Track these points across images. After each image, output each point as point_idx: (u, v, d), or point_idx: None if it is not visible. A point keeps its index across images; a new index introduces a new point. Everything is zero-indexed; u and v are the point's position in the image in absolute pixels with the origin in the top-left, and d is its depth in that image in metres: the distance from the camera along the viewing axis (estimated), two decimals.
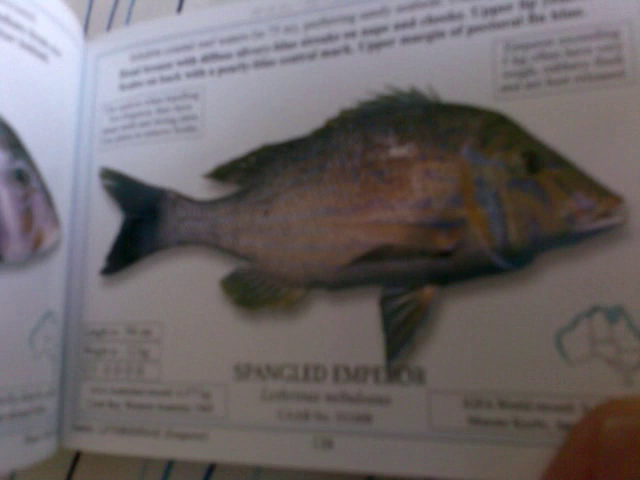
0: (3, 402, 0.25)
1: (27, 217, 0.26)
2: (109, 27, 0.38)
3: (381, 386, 0.23)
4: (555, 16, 0.23)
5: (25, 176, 0.26)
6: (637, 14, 0.22)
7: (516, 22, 0.23)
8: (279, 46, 0.27)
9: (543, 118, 0.22)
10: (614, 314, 0.21)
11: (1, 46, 0.26)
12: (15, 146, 0.26)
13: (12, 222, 0.26)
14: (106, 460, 0.29)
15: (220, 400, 0.25)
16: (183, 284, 0.27)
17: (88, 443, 0.27)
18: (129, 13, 0.37)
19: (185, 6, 0.36)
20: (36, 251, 0.27)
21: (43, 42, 0.28)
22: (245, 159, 0.27)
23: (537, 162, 0.22)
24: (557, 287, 0.22)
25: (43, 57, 0.28)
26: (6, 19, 0.26)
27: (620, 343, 0.21)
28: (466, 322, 0.22)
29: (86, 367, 0.28)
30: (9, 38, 0.26)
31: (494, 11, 0.24)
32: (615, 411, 0.18)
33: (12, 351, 0.25)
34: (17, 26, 0.27)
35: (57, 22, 0.29)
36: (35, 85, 0.27)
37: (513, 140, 0.23)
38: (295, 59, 0.27)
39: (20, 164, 0.26)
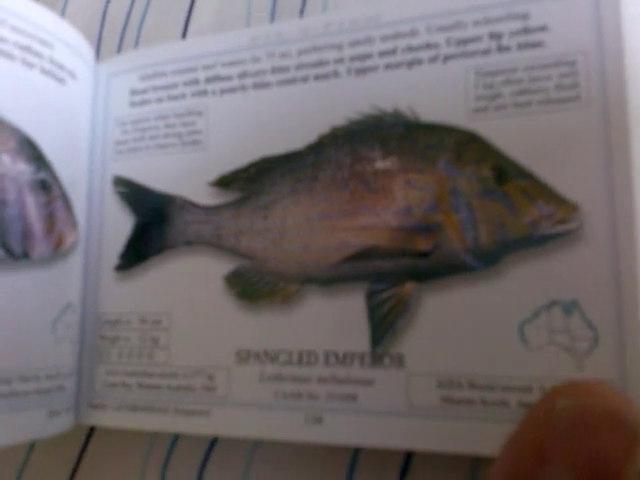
0: (30, 380, 0.25)
1: (50, 221, 0.27)
2: (119, 49, 0.38)
3: (366, 369, 0.24)
4: (520, 47, 0.23)
5: (48, 185, 0.27)
6: (591, 46, 0.22)
7: (486, 52, 0.24)
8: (275, 70, 0.27)
9: (510, 136, 0.23)
10: (569, 307, 0.21)
11: (24, 73, 0.26)
12: (38, 159, 0.26)
13: (37, 225, 0.26)
14: (117, 435, 0.30)
15: (223, 381, 0.26)
16: (190, 279, 0.27)
17: (102, 419, 0.28)
18: (137, 36, 0.37)
19: (189, 31, 0.36)
20: (57, 250, 0.27)
21: (61, 67, 0.28)
22: (246, 169, 0.27)
23: (505, 175, 0.23)
24: (520, 284, 0.22)
25: (61, 81, 0.28)
26: (28, 49, 0.27)
27: (574, 333, 0.21)
28: (441, 314, 0.23)
29: (102, 352, 0.28)
30: (31, 65, 0.27)
31: (466, 42, 0.24)
32: (567, 392, 0.18)
33: (37, 336, 0.26)
34: (38, 54, 0.27)
35: (72, 49, 0.29)
36: (54, 106, 0.28)
37: (483, 155, 0.23)
38: (290, 82, 0.27)
39: (43, 175, 0.27)
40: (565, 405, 0.17)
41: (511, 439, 0.18)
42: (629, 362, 0.20)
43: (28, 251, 0.26)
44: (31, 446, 0.32)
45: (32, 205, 0.26)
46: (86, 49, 0.30)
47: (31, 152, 0.26)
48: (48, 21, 0.28)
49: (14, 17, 0.27)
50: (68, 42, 0.29)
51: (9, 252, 0.25)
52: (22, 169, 0.26)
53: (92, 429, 0.31)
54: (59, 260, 0.27)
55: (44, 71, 0.27)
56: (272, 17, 0.34)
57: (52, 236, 0.27)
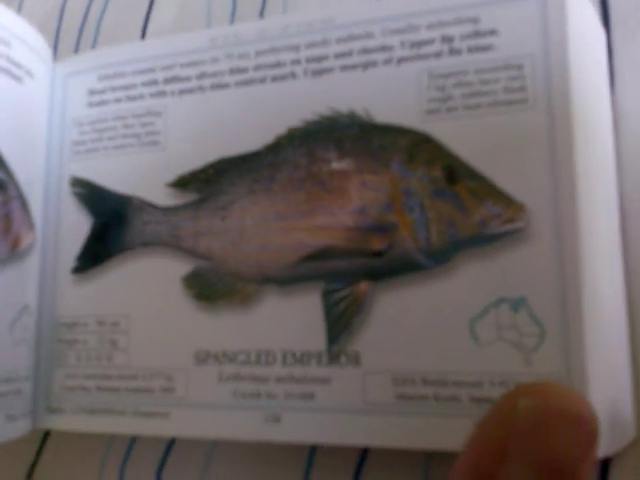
0: None
1: (6, 222, 0.28)
2: (77, 47, 0.39)
3: (323, 368, 0.26)
4: (470, 50, 0.25)
5: (4, 185, 0.28)
6: (538, 49, 0.24)
7: (438, 54, 0.26)
8: (233, 71, 0.29)
9: (460, 138, 0.25)
10: (517, 304, 0.23)
11: None
12: None
13: None
14: (73, 437, 0.31)
15: (181, 382, 0.27)
16: (148, 281, 0.29)
17: (60, 423, 0.29)
18: (96, 34, 0.39)
19: (149, 30, 0.37)
20: (14, 252, 0.28)
21: (18, 66, 0.29)
22: (204, 170, 0.29)
23: (455, 175, 0.25)
24: (470, 281, 0.24)
25: (18, 79, 0.29)
26: None
27: (522, 329, 0.23)
28: (395, 312, 0.25)
29: (59, 355, 0.30)
30: None
31: (419, 45, 0.26)
32: (529, 392, 0.20)
33: None
34: None
35: (30, 47, 0.30)
36: (11, 104, 0.29)
37: (435, 156, 0.25)
38: (247, 83, 0.29)
39: (0, 175, 0.28)
40: (527, 405, 0.19)
41: (473, 437, 0.20)
42: (573, 357, 0.22)
43: None
44: None
45: None
46: (44, 48, 0.32)
47: None
48: (5, 18, 0.29)
49: None
50: (25, 40, 0.30)
51: None
52: None
53: (47, 432, 0.32)
54: (15, 261, 0.28)
55: (1, 69, 0.28)
56: (232, 17, 0.35)
57: (8, 237, 0.28)
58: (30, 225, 0.29)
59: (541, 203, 0.23)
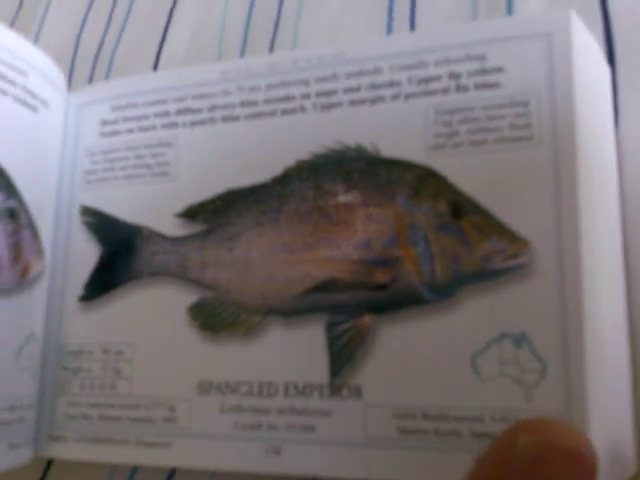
0: None
1: (16, 249, 0.29)
2: (91, 76, 0.41)
3: (325, 400, 0.27)
4: (477, 87, 0.27)
5: (16, 213, 0.29)
6: (544, 87, 0.26)
7: (445, 90, 0.27)
8: (244, 104, 0.31)
9: (466, 173, 0.26)
10: (519, 340, 0.24)
11: None
12: (8, 187, 0.29)
13: (3, 254, 0.29)
14: (76, 466, 0.32)
15: (184, 413, 0.29)
16: (154, 310, 0.30)
17: (62, 452, 0.30)
18: (110, 64, 0.41)
19: (161, 60, 0.40)
20: (23, 280, 0.30)
21: (34, 96, 0.31)
22: (212, 201, 0.30)
23: (460, 210, 0.26)
24: (473, 316, 0.25)
25: (33, 109, 0.31)
26: (1, 76, 0.30)
27: (523, 365, 0.24)
28: (398, 346, 0.26)
29: (63, 383, 0.31)
30: (4, 92, 0.30)
31: (427, 81, 0.28)
32: (529, 428, 0.21)
33: (0, 366, 0.28)
34: (11, 82, 0.30)
35: (46, 77, 0.32)
36: (26, 133, 0.31)
37: (440, 191, 0.26)
38: (258, 115, 0.30)
39: (12, 203, 0.29)
40: (527, 441, 0.20)
41: (472, 472, 0.21)
42: (574, 393, 0.23)
43: None
44: None
45: None
46: (59, 78, 0.33)
47: (0, 180, 0.29)
48: (23, 49, 0.31)
49: None
50: (42, 70, 0.32)
51: None
52: None
53: (51, 460, 0.34)
54: (24, 289, 0.30)
55: (17, 99, 0.30)
56: (243, 49, 0.38)
57: (18, 265, 0.29)
58: (40, 253, 0.31)
59: (544, 239, 0.24)
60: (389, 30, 0.35)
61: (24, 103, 0.31)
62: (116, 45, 0.42)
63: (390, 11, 0.36)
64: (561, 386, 0.24)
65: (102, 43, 0.42)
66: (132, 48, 0.41)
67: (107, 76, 0.41)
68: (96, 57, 0.42)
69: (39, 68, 0.32)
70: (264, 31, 0.38)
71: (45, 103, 0.32)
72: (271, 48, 0.37)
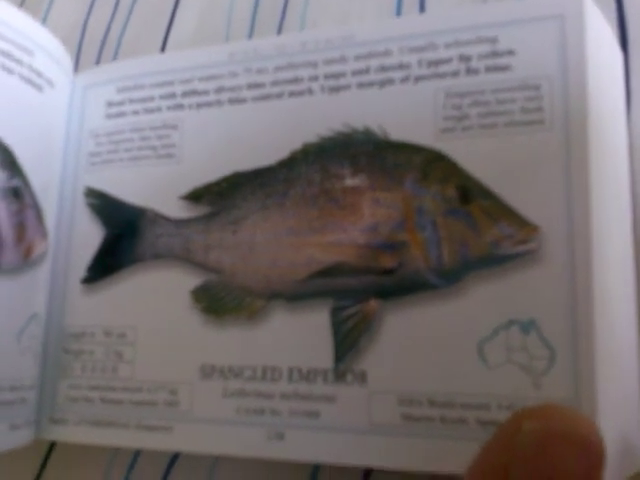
0: None
1: (20, 229, 0.29)
2: (98, 60, 0.41)
3: (329, 386, 0.26)
4: (488, 69, 0.26)
5: (20, 193, 0.29)
6: (556, 70, 0.25)
7: (455, 73, 0.27)
8: (251, 86, 0.30)
9: (475, 157, 0.25)
10: (527, 326, 0.24)
11: (3, 78, 0.29)
12: (12, 166, 0.29)
13: (7, 233, 0.28)
14: (78, 449, 0.32)
15: (186, 397, 0.28)
16: (157, 293, 0.29)
17: (63, 434, 0.30)
18: (117, 48, 0.40)
19: (169, 44, 0.39)
20: (26, 260, 0.29)
21: (39, 75, 0.31)
22: (218, 184, 0.30)
23: (469, 194, 0.25)
24: (481, 302, 0.24)
25: (39, 88, 0.31)
26: (8, 54, 0.29)
27: (531, 352, 0.24)
28: (403, 331, 0.25)
29: (65, 366, 0.31)
30: (10, 71, 0.29)
31: (437, 63, 0.27)
32: (534, 415, 0.20)
33: (2, 346, 0.28)
34: (17, 61, 0.30)
35: (52, 57, 0.32)
36: (31, 113, 0.30)
37: (449, 175, 0.26)
38: (265, 98, 0.30)
39: (16, 182, 0.29)
40: (531, 428, 0.19)
41: (476, 460, 0.20)
42: (583, 382, 0.23)
43: None
44: None
45: (3, 212, 0.28)
46: (65, 58, 0.33)
47: (4, 159, 0.29)
48: (29, 28, 0.30)
49: None
50: (48, 50, 0.31)
51: None
52: None
53: (53, 443, 0.33)
54: (27, 270, 0.30)
55: (23, 78, 0.30)
56: (251, 32, 0.37)
57: (22, 245, 0.29)
58: (43, 234, 0.30)
59: (554, 225, 0.24)
60: (398, 13, 0.35)
61: (30, 82, 0.30)
62: (123, 29, 0.41)
63: None
64: (570, 374, 0.23)
65: (109, 27, 0.42)
66: (139, 32, 0.40)
67: (114, 59, 0.41)
68: (103, 41, 0.41)
69: (45, 48, 0.31)
70: (272, 15, 0.37)
71: (51, 83, 0.32)
72: (279, 32, 0.36)
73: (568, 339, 0.23)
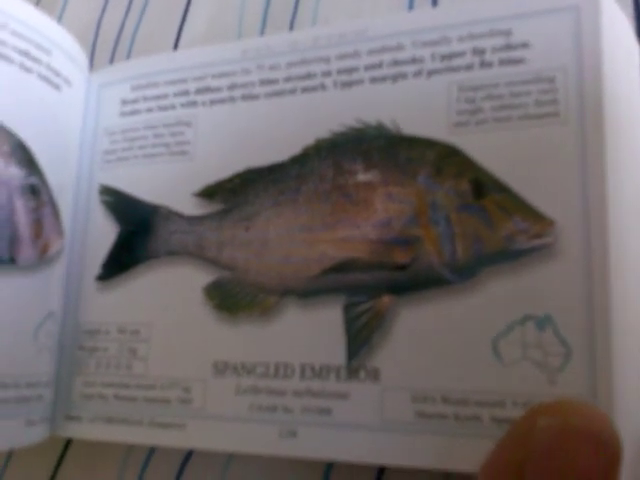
0: (10, 387, 0.27)
1: (37, 227, 0.29)
2: (112, 58, 0.40)
3: (341, 383, 0.25)
4: (502, 63, 0.25)
5: (37, 191, 0.29)
6: (571, 62, 0.24)
7: (469, 67, 0.26)
8: (264, 82, 0.30)
9: (489, 151, 0.25)
10: (543, 322, 0.23)
11: (22, 77, 0.29)
12: (30, 164, 0.29)
13: (25, 230, 0.28)
14: (94, 446, 0.31)
15: (199, 394, 0.27)
16: (170, 290, 0.29)
17: (78, 431, 0.29)
18: (130, 46, 0.40)
19: (181, 42, 0.39)
20: (43, 257, 0.29)
21: (57, 74, 0.31)
22: (230, 180, 0.29)
23: (483, 189, 0.25)
24: (495, 298, 0.24)
25: (56, 87, 0.30)
26: (27, 53, 0.29)
27: (547, 348, 0.23)
28: (417, 327, 0.25)
29: (79, 363, 0.30)
30: (29, 70, 0.29)
31: (450, 57, 0.26)
32: (549, 411, 0.20)
33: (19, 343, 0.28)
34: (36, 60, 0.29)
35: (69, 56, 0.31)
36: (48, 111, 0.30)
37: (463, 169, 0.25)
38: (277, 94, 0.29)
39: (33, 180, 0.29)
40: (546, 424, 0.19)
41: (491, 456, 0.20)
42: (599, 379, 0.22)
43: (14, 256, 0.28)
44: (8, 456, 0.34)
45: (21, 210, 0.28)
46: (81, 57, 0.33)
47: (23, 156, 0.28)
48: (47, 27, 0.30)
49: (15, 21, 0.29)
50: (65, 49, 0.31)
51: None
52: (13, 173, 0.28)
53: (69, 441, 0.33)
54: (44, 267, 0.29)
55: (41, 76, 0.30)
56: (263, 27, 0.36)
57: (38, 242, 0.29)
58: (59, 231, 0.30)
59: (570, 218, 0.23)
60: (410, 6, 0.34)
61: (48, 81, 0.30)
62: (136, 28, 0.41)
63: None
64: (586, 371, 0.22)
65: (123, 25, 0.41)
66: (152, 30, 0.40)
67: (128, 57, 0.40)
68: (117, 40, 0.41)
69: (63, 47, 0.31)
70: (284, 11, 0.37)
71: (68, 82, 0.31)
72: (291, 27, 0.36)
73: (584, 335, 0.22)
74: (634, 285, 0.24)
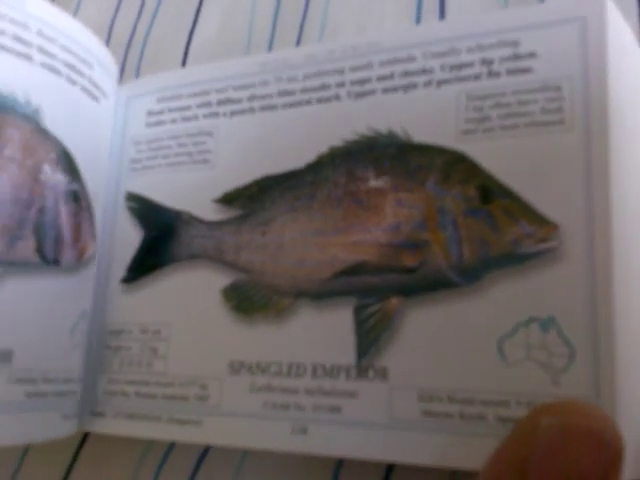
0: (51, 382, 0.28)
1: (77, 231, 0.30)
2: (124, 61, 0.42)
3: (351, 382, 0.26)
4: (509, 72, 0.26)
5: (78, 196, 0.30)
6: (577, 71, 0.24)
7: (477, 77, 0.26)
8: (281, 93, 0.30)
9: (496, 157, 0.25)
10: (547, 324, 0.23)
11: (68, 89, 0.30)
12: (73, 171, 0.30)
13: (67, 233, 0.29)
14: (110, 441, 0.32)
15: (215, 391, 0.28)
16: (190, 292, 0.30)
17: (101, 427, 0.30)
18: (141, 54, 0.41)
19: (191, 50, 0.40)
20: (80, 260, 0.30)
21: (97, 86, 0.32)
22: (248, 187, 0.30)
23: (489, 194, 0.25)
24: (501, 300, 0.24)
25: (96, 99, 0.32)
26: (73, 67, 0.30)
27: (551, 349, 0.23)
28: (424, 328, 0.25)
29: (104, 361, 0.31)
30: (74, 82, 0.30)
31: (459, 67, 0.27)
32: (552, 410, 0.20)
33: (60, 340, 0.29)
34: (80, 73, 0.31)
35: (106, 70, 0.33)
36: (88, 121, 0.31)
37: (470, 176, 0.25)
38: (294, 104, 0.30)
39: (75, 186, 0.30)
40: (549, 423, 0.19)
41: (494, 455, 0.20)
42: (603, 380, 0.22)
43: (58, 258, 0.29)
44: (25, 450, 0.35)
45: (65, 214, 0.29)
46: (114, 71, 0.34)
47: (67, 164, 0.30)
48: (89, 42, 0.32)
49: (64, 37, 0.30)
50: (104, 63, 0.33)
51: (43, 258, 0.28)
52: (59, 179, 0.29)
53: (85, 435, 0.33)
54: (80, 269, 0.30)
55: (84, 89, 0.31)
56: (273, 32, 0.37)
57: (77, 245, 0.30)
58: (93, 236, 0.31)
59: (575, 223, 0.23)
60: (418, 18, 0.34)
61: (89, 93, 0.31)
62: (148, 31, 0.42)
63: None
64: (590, 372, 0.22)
65: (134, 31, 0.42)
66: (164, 35, 0.41)
67: (139, 63, 0.41)
68: (128, 44, 0.42)
69: (102, 61, 0.32)
70: (293, 19, 0.38)
71: (104, 94, 0.33)
72: (300, 36, 0.37)
73: (588, 337, 0.22)
74: (637, 287, 0.24)
